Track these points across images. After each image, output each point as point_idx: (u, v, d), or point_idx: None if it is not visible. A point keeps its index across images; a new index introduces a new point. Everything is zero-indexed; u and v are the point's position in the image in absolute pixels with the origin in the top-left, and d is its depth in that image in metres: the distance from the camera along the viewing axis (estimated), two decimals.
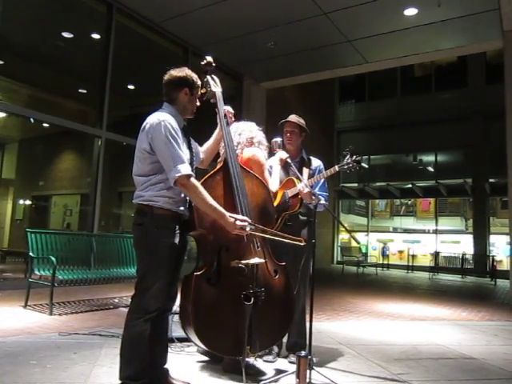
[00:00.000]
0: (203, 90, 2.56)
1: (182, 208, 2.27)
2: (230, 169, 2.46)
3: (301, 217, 3.15)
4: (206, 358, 2.95)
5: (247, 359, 2.43)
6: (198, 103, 2.44)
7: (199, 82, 2.41)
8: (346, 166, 2.92)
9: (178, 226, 2.24)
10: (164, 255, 2.18)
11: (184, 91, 2.33)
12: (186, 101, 2.35)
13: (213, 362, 2.86)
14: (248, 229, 2.29)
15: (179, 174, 2.10)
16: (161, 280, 2.17)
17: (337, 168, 2.95)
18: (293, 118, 3.31)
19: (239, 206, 2.40)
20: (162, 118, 2.21)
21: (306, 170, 3.22)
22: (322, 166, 3.33)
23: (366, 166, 17.14)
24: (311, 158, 3.35)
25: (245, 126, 3.10)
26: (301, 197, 3.02)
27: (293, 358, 3.07)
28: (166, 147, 2.14)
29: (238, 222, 2.21)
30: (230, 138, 2.55)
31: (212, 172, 2.50)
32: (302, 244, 2.55)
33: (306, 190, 2.91)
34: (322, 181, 3.18)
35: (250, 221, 2.26)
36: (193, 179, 2.15)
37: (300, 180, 2.98)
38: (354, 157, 2.91)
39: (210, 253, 2.34)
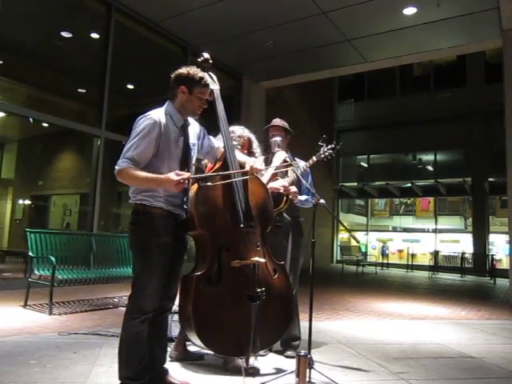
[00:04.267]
0: None
1: (176, 207, 2.25)
2: (230, 168, 2.45)
3: (285, 215, 3.21)
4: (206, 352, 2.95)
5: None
6: (206, 105, 2.35)
7: (203, 81, 2.27)
8: (322, 155, 3.13)
9: (172, 226, 2.22)
10: (157, 254, 2.15)
11: (180, 89, 2.25)
12: (183, 99, 2.26)
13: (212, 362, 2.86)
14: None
15: (117, 168, 2.09)
16: (155, 280, 2.15)
17: (314, 158, 3.17)
18: (277, 121, 3.40)
19: (238, 204, 2.40)
20: (148, 114, 2.21)
21: (291, 171, 3.26)
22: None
23: (366, 166, 17.16)
24: (296, 159, 3.43)
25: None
26: (288, 195, 3.10)
27: (289, 353, 3.10)
28: (129, 140, 2.15)
29: (175, 177, 2.03)
30: (228, 136, 2.51)
31: (211, 171, 2.49)
32: (247, 177, 2.42)
33: (291, 187, 3.07)
34: (310, 180, 3.30)
35: (188, 175, 2.09)
36: (125, 171, 2.06)
37: (294, 170, 3.07)
38: (330, 146, 3.12)
39: (211, 253, 2.33)
